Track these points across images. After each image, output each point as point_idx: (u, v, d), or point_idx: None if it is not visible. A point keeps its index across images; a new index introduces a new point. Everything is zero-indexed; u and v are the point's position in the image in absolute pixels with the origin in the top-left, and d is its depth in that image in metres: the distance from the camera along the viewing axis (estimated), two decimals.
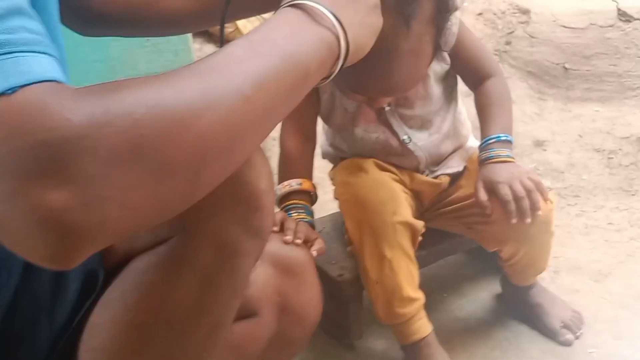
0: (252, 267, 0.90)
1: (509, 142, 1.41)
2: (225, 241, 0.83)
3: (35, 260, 0.59)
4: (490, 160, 1.38)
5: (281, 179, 1.47)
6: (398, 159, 1.50)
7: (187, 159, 0.63)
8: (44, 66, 0.60)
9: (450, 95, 1.51)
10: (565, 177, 2.34)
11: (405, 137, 1.47)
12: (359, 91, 1.32)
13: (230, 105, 0.66)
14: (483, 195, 1.35)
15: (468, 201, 1.47)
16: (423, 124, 1.48)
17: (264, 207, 0.85)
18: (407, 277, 1.39)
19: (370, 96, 1.33)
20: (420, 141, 1.48)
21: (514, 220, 1.30)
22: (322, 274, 1.45)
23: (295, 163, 1.50)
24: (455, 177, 1.54)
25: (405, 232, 1.38)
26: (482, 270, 1.85)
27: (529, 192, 1.30)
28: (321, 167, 2.08)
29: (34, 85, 0.58)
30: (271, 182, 0.88)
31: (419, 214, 1.54)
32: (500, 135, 1.40)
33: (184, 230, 0.82)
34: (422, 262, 1.55)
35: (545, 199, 1.34)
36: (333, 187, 1.57)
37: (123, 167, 0.58)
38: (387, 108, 1.44)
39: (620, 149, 2.44)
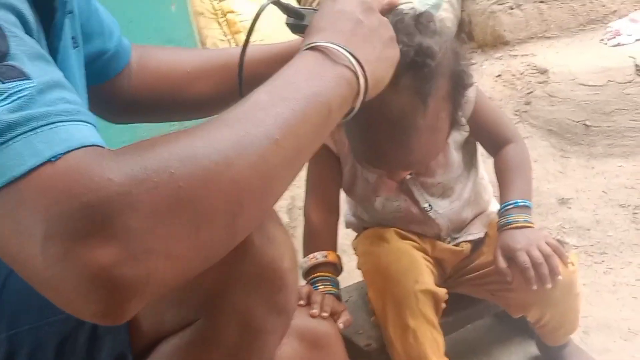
0: (277, 344, 0.92)
1: (528, 207, 1.42)
2: (250, 321, 0.85)
3: (88, 318, 0.62)
4: (509, 227, 1.39)
5: (306, 252, 1.49)
6: (419, 226, 1.51)
7: (224, 206, 0.66)
8: (83, 133, 0.65)
9: (470, 161, 1.53)
10: (592, 234, 2.34)
11: (426, 205, 1.48)
12: (379, 166, 1.35)
13: (261, 150, 0.69)
14: (502, 263, 1.36)
15: (489, 268, 1.47)
16: (444, 192, 1.50)
17: (288, 285, 0.87)
18: (432, 346, 1.40)
19: (389, 170, 1.36)
20: (441, 209, 1.50)
21: (534, 287, 1.31)
22: (349, 344, 1.47)
23: (320, 235, 1.52)
24: (477, 243, 1.56)
25: (428, 300, 1.39)
26: (511, 333, 1.84)
27: (547, 257, 1.31)
28: (346, 235, 2.11)
29: (75, 151, 0.62)
30: (294, 260, 0.90)
31: (442, 281, 1.55)
32: (519, 200, 1.42)
33: (209, 311, 0.84)
34: (449, 329, 1.56)
35: (565, 263, 1.34)
36: (356, 257, 1.59)
37: (164, 220, 0.62)
38: (408, 177, 1.46)
39: None
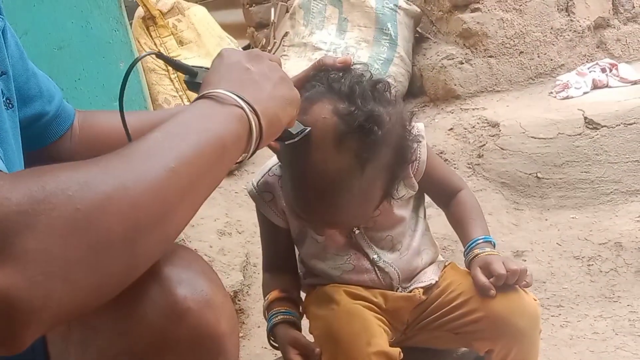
0: None
1: (493, 243, 1.47)
2: None
3: None
4: (480, 254, 1.43)
5: (265, 293, 1.52)
6: (370, 279, 1.50)
7: (122, 230, 0.66)
8: None
9: (417, 214, 1.55)
10: (547, 287, 2.34)
11: (375, 256, 1.48)
12: (304, 218, 1.37)
13: (157, 177, 0.71)
14: (483, 278, 1.39)
15: (455, 303, 1.47)
16: (393, 245, 1.51)
17: (226, 350, 0.84)
18: None
19: (313, 224, 1.38)
20: (391, 260, 1.50)
21: (502, 281, 1.36)
22: None
23: (276, 280, 1.54)
24: (428, 289, 1.55)
25: None
26: None
27: (520, 270, 1.38)
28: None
29: None
30: (233, 323, 0.87)
31: (400, 334, 1.53)
32: (486, 236, 1.47)
33: None
34: None
35: (530, 284, 1.42)
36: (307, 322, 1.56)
37: (62, 241, 0.61)
38: (356, 232, 1.46)
39: (599, 255, 2.45)
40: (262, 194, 1.49)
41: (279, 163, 1.43)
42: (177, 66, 1.06)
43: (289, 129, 1.14)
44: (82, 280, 0.63)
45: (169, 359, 0.80)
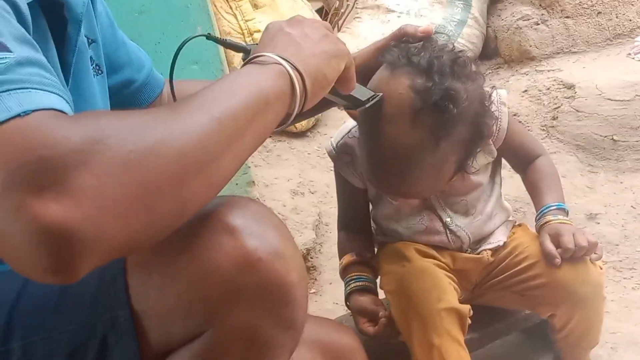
0: (287, 359, 0.92)
1: (566, 210, 1.48)
2: (256, 335, 0.86)
3: (39, 275, 0.65)
4: (552, 222, 1.44)
5: (341, 255, 1.57)
6: (441, 240, 1.52)
7: (171, 172, 0.71)
8: (52, 100, 0.72)
9: (493, 179, 1.55)
10: (620, 249, 2.31)
11: (448, 219, 1.50)
12: (379, 188, 1.41)
13: (203, 126, 0.76)
14: (550, 245, 1.41)
15: (521, 266, 1.49)
16: (467, 210, 1.51)
17: (295, 300, 0.87)
18: None
19: (386, 193, 1.43)
20: (463, 224, 1.51)
21: (569, 255, 1.39)
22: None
23: (352, 243, 1.58)
24: (497, 250, 1.56)
25: (452, 318, 1.39)
26: (539, 349, 1.82)
27: (590, 243, 1.39)
28: None
29: (41, 111, 0.68)
30: (302, 274, 0.90)
31: (468, 293, 1.55)
32: (559, 203, 1.48)
33: (215, 324, 0.85)
34: (476, 345, 1.55)
35: (600, 257, 1.42)
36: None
37: (115, 180, 0.66)
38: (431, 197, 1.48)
39: None
40: (340, 155, 1.51)
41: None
42: (230, 46, 1.10)
43: (356, 96, 1.16)
44: (133, 217, 0.68)
45: (241, 307, 0.84)
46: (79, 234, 0.63)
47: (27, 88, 0.70)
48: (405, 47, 1.27)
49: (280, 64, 0.92)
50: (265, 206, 0.93)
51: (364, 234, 1.59)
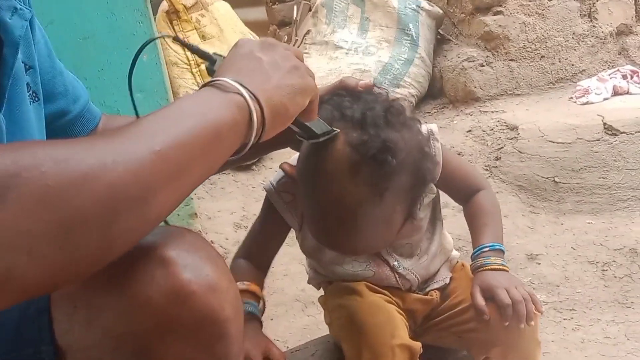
0: None
1: (502, 251, 1.43)
2: None
3: None
4: (486, 268, 1.40)
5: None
6: (390, 284, 1.50)
7: (98, 210, 0.65)
8: None
9: (434, 218, 1.53)
10: (561, 290, 2.33)
11: (395, 262, 1.47)
12: (329, 247, 1.36)
13: (140, 159, 0.70)
14: (480, 300, 1.36)
15: (457, 309, 1.47)
16: (412, 251, 1.49)
17: (229, 334, 0.84)
18: None
19: (336, 251, 1.38)
20: (410, 266, 1.49)
21: (507, 324, 1.31)
22: None
23: (245, 273, 1.46)
24: (443, 289, 1.55)
25: (404, 355, 1.36)
26: None
27: (525, 299, 1.32)
28: (313, 288, 2.08)
29: None
30: (238, 308, 0.87)
31: (412, 332, 1.53)
32: (494, 244, 1.43)
33: (145, 359, 0.81)
34: None
35: (538, 310, 1.35)
36: (324, 312, 1.56)
37: (29, 215, 0.61)
38: None
39: (614, 261, 2.45)
40: (281, 194, 1.46)
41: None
42: (196, 52, 1.05)
43: (313, 128, 1.12)
44: (49, 257, 0.63)
45: (172, 342, 0.80)
46: None
47: None
48: (338, 101, 1.24)
49: (241, 94, 0.87)
50: (202, 237, 0.89)
51: (261, 270, 1.53)
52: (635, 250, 2.47)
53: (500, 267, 1.40)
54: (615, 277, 2.37)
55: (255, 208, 2.79)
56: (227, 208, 2.72)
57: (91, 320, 0.81)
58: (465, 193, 1.52)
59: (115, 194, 0.67)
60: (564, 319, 2.18)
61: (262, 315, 1.44)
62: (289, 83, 0.97)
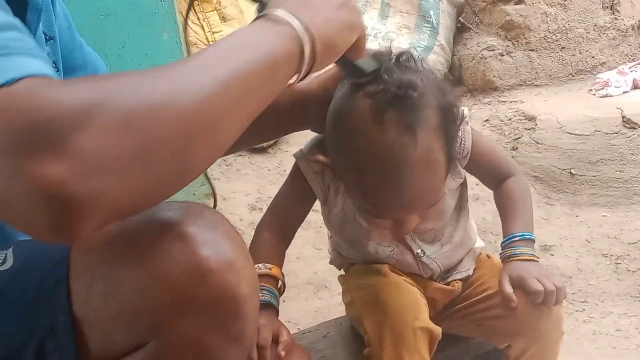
0: None
1: (532, 240, 1.41)
2: (202, 348, 0.83)
3: (41, 234, 0.64)
4: (516, 258, 1.39)
5: (260, 254, 1.42)
6: (412, 271, 1.50)
7: (172, 136, 0.68)
8: (38, 65, 0.69)
9: (461, 205, 1.51)
10: (573, 282, 2.33)
11: (419, 250, 1.46)
12: (380, 213, 1.30)
13: (208, 88, 0.73)
14: (508, 288, 1.35)
15: (480, 296, 1.46)
16: (435, 237, 1.48)
17: (245, 313, 0.84)
18: None
19: (394, 217, 1.32)
20: (433, 254, 1.48)
21: (540, 309, 1.33)
22: None
23: (267, 252, 1.45)
24: (465, 280, 1.54)
25: (425, 338, 1.37)
26: None
27: (557, 290, 1.32)
28: (328, 270, 2.09)
29: (30, 77, 0.66)
30: (254, 287, 0.87)
31: (430, 319, 1.54)
32: (525, 233, 1.41)
33: (160, 335, 0.81)
34: None
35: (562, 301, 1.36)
36: (342, 291, 1.56)
37: (114, 141, 0.64)
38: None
39: (628, 255, 2.44)
40: (310, 163, 1.45)
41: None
42: None
43: (360, 66, 1.13)
44: (134, 179, 0.66)
45: (187, 318, 0.80)
46: (77, 195, 0.62)
47: (11, 54, 0.68)
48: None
49: (293, 25, 0.88)
50: (221, 214, 0.89)
51: (285, 241, 1.52)
52: None
53: (531, 257, 1.39)
54: (629, 270, 2.36)
55: (270, 191, 2.80)
56: (243, 189, 2.73)
57: (109, 293, 0.81)
58: (495, 178, 1.50)
59: (187, 121, 0.70)
60: (576, 311, 2.18)
61: (281, 295, 1.45)
62: (338, 18, 0.97)
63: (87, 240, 0.72)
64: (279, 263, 1.46)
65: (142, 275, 0.80)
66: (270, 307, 1.37)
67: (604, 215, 2.69)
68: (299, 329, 1.54)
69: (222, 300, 0.81)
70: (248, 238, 2.33)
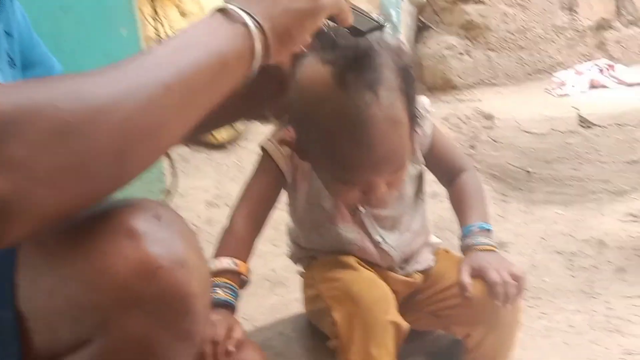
0: None
1: (490, 230, 1.45)
2: (149, 346, 0.81)
3: None
4: (475, 248, 1.41)
5: (220, 253, 1.42)
6: (371, 257, 1.50)
7: (112, 140, 0.67)
8: None
9: (419, 193, 1.54)
10: (528, 278, 2.35)
11: (378, 237, 1.48)
12: (350, 177, 1.31)
13: (150, 93, 0.72)
14: (467, 278, 1.37)
15: (439, 288, 1.48)
16: (394, 224, 1.49)
17: (195, 312, 0.82)
18: None
19: (364, 180, 1.31)
20: (392, 241, 1.49)
21: (498, 303, 1.34)
22: None
23: (239, 242, 1.45)
24: (425, 272, 1.56)
25: (393, 333, 1.37)
26: None
27: (516, 280, 1.34)
28: (286, 267, 2.09)
29: None
30: (205, 285, 0.85)
31: None
32: (483, 224, 1.45)
33: (106, 332, 0.80)
34: None
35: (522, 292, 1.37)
36: (305, 285, 1.56)
37: (48, 150, 0.64)
38: (362, 210, 1.45)
39: (581, 252, 2.48)
40: (279, 147, 1.45)
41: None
42: None
43: (356, 26, 1.12)
44: (68, 187, 0.66)
45: (136, 315, 0.78)
46: (7, 204, 0.62)
47: None
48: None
49: (245, 21, 0.86)
50: (174, 211, 0.86)
51: (257, 231, 1.51)
52: (602, 242, 2.50)
53: (490, 247, 1.42)
54: (582, 267, 2.39)
55: (228, 187, 2.79)
56: (200, 186, 2.71)
57: (54, 289, 0.80)
58: (451, 172, 1.54)
59: (128, 128, 0.69)
60: (529, 307, 2.20)
61: (243, 289, 1.44)
62: (297, 7, 0.95)
63: (36, 235, 0.71)
64: (248, 255, 1.46)
65: (89, 271, 0.77)
66: (227, 305, 1.36)
67: (559, 213, 2.72)
68: (254, 325, 1.53)
69: (171, 299, 0.79)
70: (205, 235, 2.34)
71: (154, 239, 0.78)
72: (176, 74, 0.75)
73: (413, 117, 1.29)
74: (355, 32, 1.15)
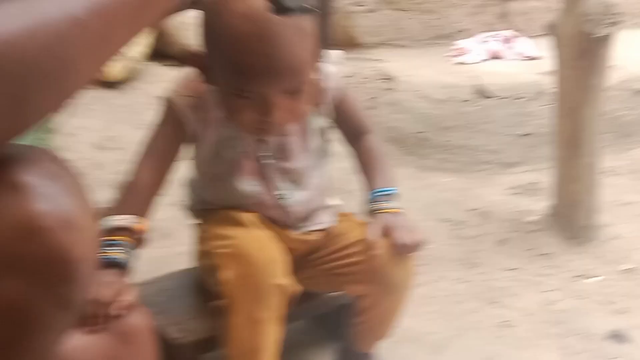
0: (57, 342, 0.82)
1: (396, 194, 1.53)
2: (22, 311, 0.75)
3: None
4: (383, 210, 1.49)
5: (120, 208, 1.39)
6: (270, 212, 1.50)
7: (11, 78, 0.60)
8: None
9: (324, 151, 1.55)
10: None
11: (279, 191, 1.48)
12: (251, 84, 1.31)
13: (60, 28, 0.64)
14: (376, 236, 1.44)
15: (337, 246, 1.54)
16: (297, 179, 1.50)
17: (77, 277, 0.77)
18: (271, 343, 1.41)
19: (260, 91, 1.31)
20: (293, 196, 1.50)
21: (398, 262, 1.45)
22: (161, 337, 1.41)
23: (140, 198, 1.43)
24: (324, 232, 1.57)
25: (283, 295, 1.38)
26: (327, 337, 1.84)
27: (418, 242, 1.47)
28: (172, 218, 2.04)
29: None
30: (91, 250, 0.80)
31: None
32: (389, 188, 1.53)
33: None
34: None
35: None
36: (198, 239, 1.54)
37: None
38: (267, 161, 1.45)
39: (467, 221, 2.54)
40: (184, 98, 1.43)
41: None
42: None
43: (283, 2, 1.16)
44: None
45: (11, 278, 0.73)
46: None
47: None
48: None
49: None
50: (65, 163, 0.80)
51: (161, 185, 1.47)
52: (487, 213, 2.58)
53: (396, 210, 1.50)
54: (466, 237, 2.46)
55: (120, 129, 2.68)
56: (88, 126, 2.58)
57: None
58: (357, 131, 1.58)
59: (27, 70, 0.61)
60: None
61: (144, 246, 1.41)
62: None
63: None
64: (149, 212, 1.44)
65: None
66: (119, 265, 1.32)
67: (448, 181, 2.78)
68: (136, 279, 1.48)
69: (52, 263, 0.74)
70: (90, 180, 2.24)
71: (40, 194, 0.72)
72: (92, 8, 0.67)
73: (322, 36, 1.31)
74: (280, 6, 1.18)
